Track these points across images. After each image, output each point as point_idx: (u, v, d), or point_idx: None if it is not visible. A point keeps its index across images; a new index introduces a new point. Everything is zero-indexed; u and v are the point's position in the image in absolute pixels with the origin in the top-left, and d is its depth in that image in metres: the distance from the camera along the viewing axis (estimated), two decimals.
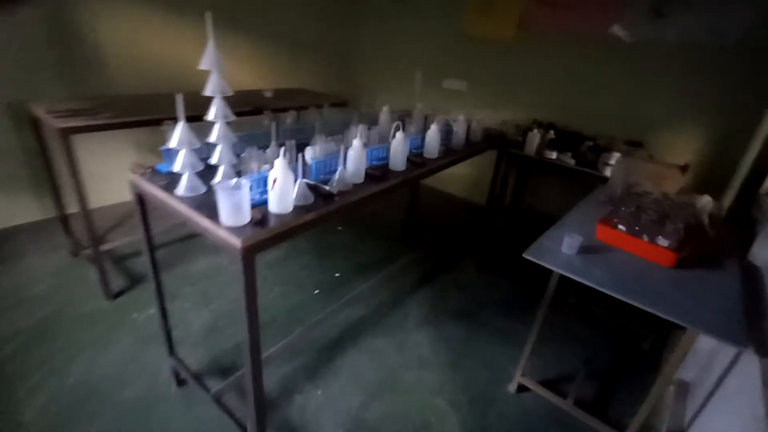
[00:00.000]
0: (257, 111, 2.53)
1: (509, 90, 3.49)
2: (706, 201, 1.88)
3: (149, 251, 1.39)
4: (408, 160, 1.65)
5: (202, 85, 1.11)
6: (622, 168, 2.10)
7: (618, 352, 2.18)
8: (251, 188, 1.11)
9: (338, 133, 1.94)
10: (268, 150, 1.41)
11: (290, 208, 1.14)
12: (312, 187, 1.25)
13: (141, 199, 1.30)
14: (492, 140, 2.39)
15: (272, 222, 1.07)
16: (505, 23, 3.33)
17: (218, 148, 1.21)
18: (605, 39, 2.91)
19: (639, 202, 1.73)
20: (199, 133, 1.19)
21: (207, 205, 1.11)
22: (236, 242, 0.97)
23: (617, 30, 2.86)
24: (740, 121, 2.54)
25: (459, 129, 2.03)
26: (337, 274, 2.65)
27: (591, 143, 2.91)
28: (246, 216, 1.03)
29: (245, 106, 2.50)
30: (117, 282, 2.33)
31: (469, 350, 2.11)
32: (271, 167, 1.08)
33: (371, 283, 2.43)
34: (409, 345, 2.11)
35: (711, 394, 1.46)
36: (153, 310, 2.04)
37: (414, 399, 1.80)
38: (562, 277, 1.47)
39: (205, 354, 1.92)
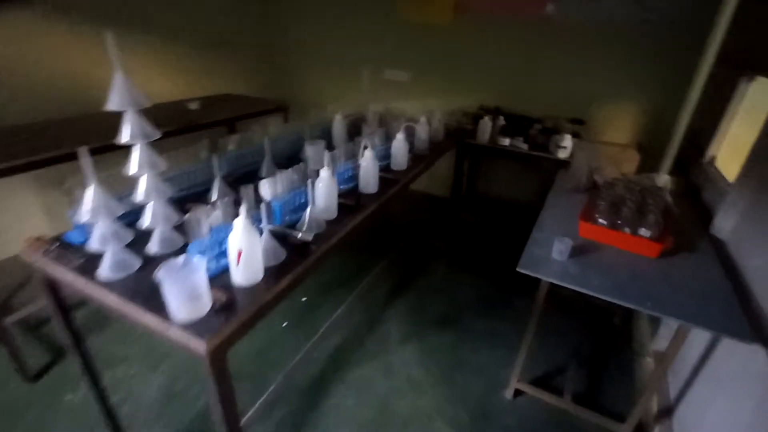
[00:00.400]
0: (185, 129, 2.17)
1: (452, 77, 3.39)
2: (665, 180, 1.93)
3: (65, 325, 1.07)
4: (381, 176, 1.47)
5: None
6: (584, 154, 2.10)
7: (595, 332, 2.23)
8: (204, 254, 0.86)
9: (290, 152, 1.69)
10: (215, 194, 1.15)
11: (260, 276, 0.91)
12: (280, 237, 1.02)
13: (51, 286, 0.98)
14: (453, 136, 2.27)
15: (240, 300, 0.84)
16: (441, 7, 3.20)
17: (149, 208, 0.93)
18: (541, 18, 2.90)
19: (613, 193, 1.71)
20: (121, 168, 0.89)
21: (144, 289, 0.85)
22: (199, 345, 0.73)
23: (550, 9, 2.85)
24: (671, 93, 2.67)
25: (422, 131, 1.87)
26: (303, 299, 2.42)
27: (540, 126, 2.91)
28: (206, 303, 0.79)
29: (168, 124, 2.11)
30: (36, 358, 1.90)
31: (459, 360, 2.02)
32: (223, 219, 0.84)
33: (343, 306, 2.24)
34: (397, 366, 1.97)
35: (695, 375, 1.49)
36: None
37: (413, 430, 1.68)
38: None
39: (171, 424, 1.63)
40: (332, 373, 1.92)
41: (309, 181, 1.07)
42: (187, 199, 1.25)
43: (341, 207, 1.24)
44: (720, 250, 1.58)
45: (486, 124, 2.87)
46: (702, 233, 1.67)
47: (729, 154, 2.01)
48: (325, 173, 1.13)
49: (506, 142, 2.86)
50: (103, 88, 0.81)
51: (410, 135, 1.82)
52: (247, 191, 1.01)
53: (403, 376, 1.93)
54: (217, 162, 1.23)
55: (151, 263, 0.92)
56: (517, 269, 1.36)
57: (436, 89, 3.49)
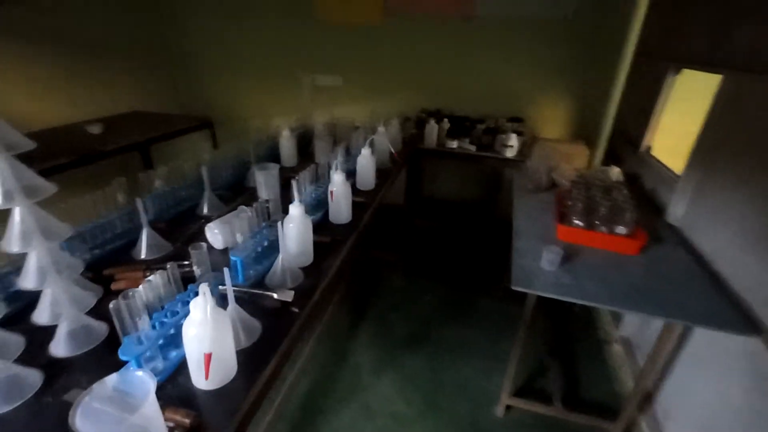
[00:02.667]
0: (87, 158, 1.73)
1: (389, 80, 3.26)
2: (617, 172, 1.98)
3: None
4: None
5: None
6: (541, 154, 2.09)
7: (559, 324, 2.24)
8: (148, 356, 0.59)
9: (233, 180, 1.41)
10: (142, 251, 0.84)
11: (233, 373, 0.65)
12: (248, 302, 0.77)
13: None
14: (409, 144, 2.12)
15: (210, 419, 0.58)
16: (369, 8, 3.05)
17: (45, 295, 0.62)
18: (467, 16, 2.89)
19: (583, 192, 1.69)
20: None
21: (50, 425, 0.55)
22: None
23: (476, 8, 2.87)
24: (595, 86, 2.82)
25: (382, 142, 1.69)
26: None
27: (483, 126, 2.91)
28: None
29: (63, 156, 1.67)
30: None
31: (439, 381, 1.88)
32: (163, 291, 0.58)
33: (306, 348, 1.96)
34: (377, 404, 1.77)
35: (675, 358, 1.52)
36: None
37: None
38: (492, 259, 1.31)
39: None
40: (307, 429, 1.65)
41: (279, 222, 0.83)
42: (104, 261, 0.93)
43: (315, 247, 1.01)
44: (679, 236, 1.63)
45: (432, 128, 2.78)
46: (658, 222, 1.73)
47: (663, 144, 2.14)
48: (295, 210, 0.89)
49: (454, 144, 2.80)
50: None
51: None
52: (199, 252, 0.73)
53: (386, 414, 1.74)
54: (141, 205, 0.92)
55: (58, 378, 0.62)
56: (512, 287, 1.25)
57: (373, 93, 3.34)
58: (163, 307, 0.68)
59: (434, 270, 2.72)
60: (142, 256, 0.96)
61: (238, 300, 0.72)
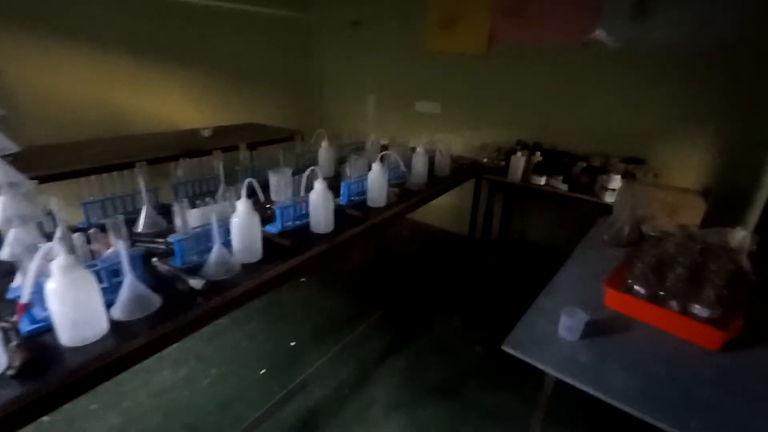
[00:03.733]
0: (186, 154, 2.12)
1: (487, 109, 3.11)
2: (742, 237, 1.44)
3: None
4: (343, 213, 1.22)
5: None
6: (628, 196, 1.68)
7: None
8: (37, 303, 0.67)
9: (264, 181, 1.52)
10: (141, 224, 0.97)
11: (97, 334, 0.69)
12: (165, 281, 0.81)
13: None
14: (465, 171, 1.97)
15: (53, 365, 0.62)
16: (474, 37, 2.99)
17: (10, 236, 0.78)
18: (585, 45, 2.55)
19: (661, 251, 1.28)
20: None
21: None
22: None
23: (599, 35, 2.50)
24: (754, 129, 2.14)
25: (418, 163, 1.61)
26: (292, 343, 2.17)
27: (584, 164, 2.50)
28: None
29: (162, 150, 2.09)
30: None
31: None
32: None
33: (327, 357, 1.95)
34: None
35: None
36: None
37: None
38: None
39: None
40: None
41: (213, 214, 0.86)
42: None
43: (273, 247, 1.01)
44: None
45: (518, 160, 2.53)
46: None
47: None
48: (241, 205, 0.91)
49: (541, 180, 2.48)
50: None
51: (395, 168, 1.56)
52: (115, 224, 0.81)
53: None
54: (143, 187, 1.07)
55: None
56: (502, 347, 1.01)
57: (468, 122, 3.23)
58: None
59: (493, 318, 2.40)
60: (138, 230, 1.11)
61: (164, 276, 0.78)
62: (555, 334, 1.04)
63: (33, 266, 0.60)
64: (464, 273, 2.84)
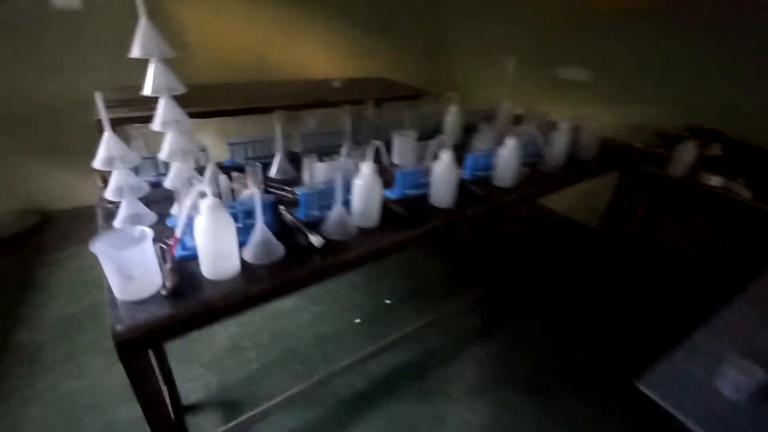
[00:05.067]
0: (314, 104, 2.22)
1: (648, 81, 2.54)
2: None
3: None
4: (463, 188, 1.13)
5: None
6: None
7: None
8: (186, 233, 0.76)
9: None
10: (274, 169, 1.04)
11: (230, 273, 0.75)
12: (288, 231, 0.84)
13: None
14: (613, 157, 1.66)
15: (190, 294, 0.70)
16: None
17: (173, 168, 0.88)
18: None
19: None
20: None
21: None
22: (114, 334, 0.62)
23: None
24: None
25: (559, 142, 1.39)
26: (387, 301, 2.24)
27: None
28: (145, 285, 0.68)
29: (297, 98, 2.20)
30: None
31: None
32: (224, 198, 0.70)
33: (419, 324, 1.95)
34: (453, 424, 1.60)
35: None
36: None
37: None
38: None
39: (214, 380, 1.71)
40: (378, 399, 1.68)
41: (339, 172, 0.85)
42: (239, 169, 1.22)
43: (389, 215, 0.98)
44: None
45: (686, 151, 2.05)
46: None
47: None
48: (366, 169, 0.88)
49: (715, 181, 1.99)
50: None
51: (533, 145, 1.37)
52: (254, 170, 0.86)
53: None
54: (279, 134, 1.13)
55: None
56: (638, 384, 0.84)
57: (624, 96, 2.70)
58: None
59: (604, 326, 2.12)
60: (271, 175, 1.19)
61: (287, 226, 0.82)
62: (710, 384, 0.83)
63: (186, 205, 0.67)
64: (582, 270, 2.53)
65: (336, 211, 0.89)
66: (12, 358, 1.72)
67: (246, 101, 2.07)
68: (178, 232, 0.69)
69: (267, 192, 1.09)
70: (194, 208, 0.71)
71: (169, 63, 0.81)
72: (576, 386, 1.75)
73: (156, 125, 0.83)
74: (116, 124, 1.62)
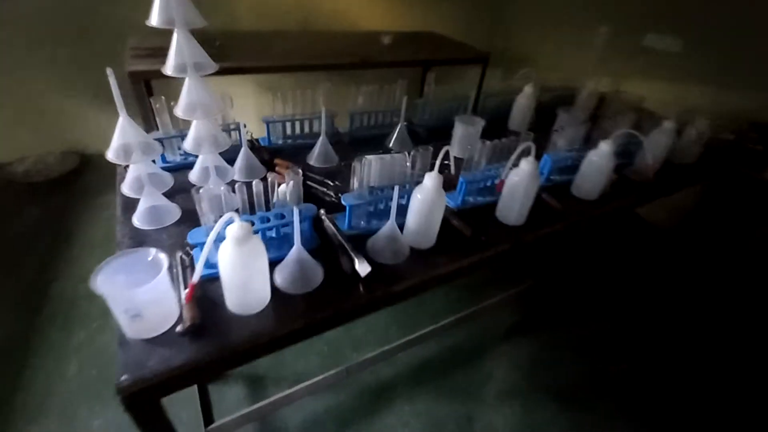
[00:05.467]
0: (362, 64, 1.98)
1: (751, 56, 2.07)
2: None
3: None
4: (537, 198, 0.93)
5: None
6: None
7: None
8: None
9: (439, 125, 1.28)
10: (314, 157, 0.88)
11: (259, 307, 0.62)
12: (329, 246, 0.70)
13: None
14: (717, 160, 1.37)
15: (216, 332, 0.58)
16: None
17: (200, 160, 0.74)
18: None
19: None
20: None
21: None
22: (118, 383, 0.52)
23: None
24: None
25: (659, 144, 1.13)
26: None
27: None
28: (162, 321, 0.57)
29: (344, 55, 1.95)
30: None
31: None
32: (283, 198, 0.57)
33: (456, 317, 1.83)
34: (479, 426, 1.53)
35: None
36: None
37: None
38: None
39: None
40: (405, 390, 1.62)
41: (396, 189, 0.68)
42: (283, 152, 1.06)
43: (448, 232, 0.81)
44: None
45: None
46: None
47: None
48: (430, 181, 0.70)
49: None
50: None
51: (624, 146, 1.12)
52: (295, 173, 0.69)
53: None
54: (324, 114, 0.95)
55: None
56: None
57: (722, 75, 2.25)
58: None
59: (661, 339, 1.93)
60: (311, 162, 1.03)
61: (329, 241, 0.67)
62: None
63: (210, 239, 0.53)
64: (643, 272, 2.29)
65: (388, 229, 0.73)
66: (49, 311, 1.74)
67: (288, 56, 1.86)
68: (195, 276, 0.56)
69: (306, 185, 0.94)
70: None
71: None
72: (616, 400, 1.62)
73: (168, 69, 0.66)
74: (140, 79, 1.48)
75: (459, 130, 1.09)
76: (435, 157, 0.73)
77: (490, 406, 1.59)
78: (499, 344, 1.84)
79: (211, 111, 0.70)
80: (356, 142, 1.16)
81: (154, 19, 0.60)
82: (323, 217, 0.81)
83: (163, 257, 0.55)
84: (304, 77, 1.95)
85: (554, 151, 1.04)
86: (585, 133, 1.08)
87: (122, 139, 0.66)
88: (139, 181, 0.71)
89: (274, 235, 0.73)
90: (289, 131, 1.10)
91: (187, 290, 0.60)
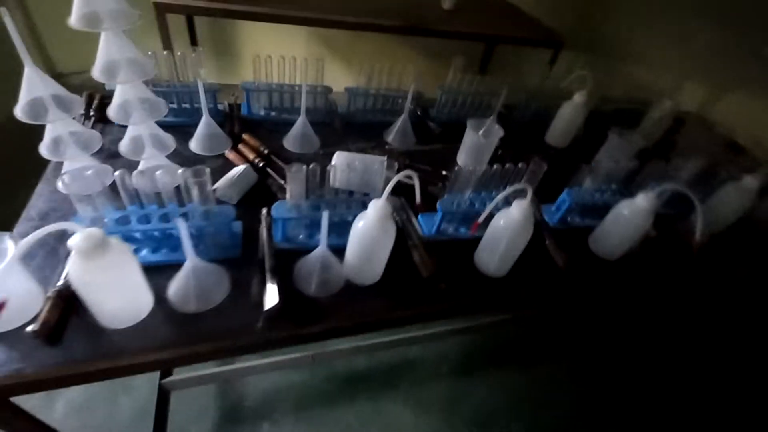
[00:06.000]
0: (410, 29, 1.73)
1: None
2: None
3: None
4: (537, 238, 0.74)
5: None
6: None
7: None
8: None
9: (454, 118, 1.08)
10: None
11: (134, 319, 0.53)
12: (247, 255, 0.59)
13: None
14: None
15: (77, 340, 0.51)
16: None
17: (129, 132, 0.63)
18: None
19: None
20: None
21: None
22: None
23: None
24: None
25: (727, 203, 0.86)
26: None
27: None
28: (16, 317, 0.49)
29: (390, 15, 1.71)
30: None
31: None
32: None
33: (449, 328, 1.68)
34: None
35: None
36: None
37: None
38: None
39: None
40: (375, 384, 1.54)
41: (324, 214, 0.53)
42: (261, 127, 0.93)
43: (403, 265, 0.66)
44: None
45: None
46: None
47: None
48: (375, 208, 0.55)
49: None
50: None
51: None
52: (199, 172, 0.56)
53: None
54: (304, 91, 0.80)
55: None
56: None
57: None
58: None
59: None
60: (286, 145, 0.89)
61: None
62: None
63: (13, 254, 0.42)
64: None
65: (317, 255, 0.59)
66: None
67: (324, 8, 1.65)
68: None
69: (265, 172, 0.82)
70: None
71: None
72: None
73: (73, 20, 0.52)
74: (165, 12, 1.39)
75: (469, 138, 0.89)
76: (439, 170, 0.56)
77: (459, 428, 1.48)
78: (488, 364, 1.69)
79: (139, 72, 0.59)
80: (351, 128, 1.00)
81: None
82: (263, 218, 0.69)
83: (9, 244, 0.46)
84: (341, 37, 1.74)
85: (580, 186, 0.81)
86: (633, 167, 0.83)
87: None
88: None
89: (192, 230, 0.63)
90: (276, 102, 0.96)
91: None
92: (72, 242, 0.43)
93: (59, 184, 0.56)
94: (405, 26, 1.73)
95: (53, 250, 0.61)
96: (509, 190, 0.61)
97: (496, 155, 0.96)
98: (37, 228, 0.43)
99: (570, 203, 0.80)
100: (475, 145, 0.89)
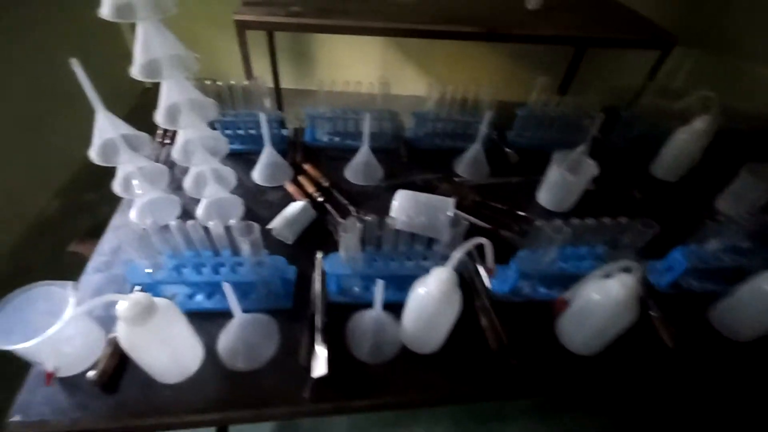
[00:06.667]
0: (487, 35, 1.60)
1: None
2: None
3: None
4: (642, 317, 0.60)
5: None
6: None
7: None
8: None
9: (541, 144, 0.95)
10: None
11: (184, 375, 0.52)
12: (307, 311, 0.55)
13: None
14: None
15: (132, 389, 0.51)
16: None
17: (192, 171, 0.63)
18: None
19: None
20: None
21: None
22: None
23: None
24: None
25: None
26: None
27: None
28: (80, 360, 0.50)
29: (464, 22, 1.58)
30: None
31: None
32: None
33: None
34: None
35: None
36: None
37: None
38: None
39: None
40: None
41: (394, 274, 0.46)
42: (323, 154, 0.89)
43: (472, 334, 0.57)
44: None
45: None
46: None
47: None
48: (435, 282, 0.47)
49: None
50: None
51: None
52: (248, 227, 0.52)
53: None
54: (367, 120, 0.74)
55: None
56: None
57: None
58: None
59: None
60: (347, 175, 0.84)
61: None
62: None
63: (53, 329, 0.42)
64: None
65: (371, 318, 0.53)
66: None
67: (398, 16, 1.58)
68: (49, 365, 0.45)
69: (323, 208, 0.77)
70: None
71: None
72: None
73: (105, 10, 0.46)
74: (247, 27, 1.42)
75: (553, 175, 0.76)
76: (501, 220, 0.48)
77: None
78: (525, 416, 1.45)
79: (201, 115, 0.57)
80: (418, 155, 0.92)
81: None
82: (317, 265, 0.64)
83: (70, 295, 0.47)
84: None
85: (699, 245, 0.65)
86: None
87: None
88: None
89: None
90: (340, 127, 0.92)
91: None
92: (119, 310, 0.41)
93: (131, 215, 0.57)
94: (482, 32, 1.60)
95: (119, 290, 0.62)
96: (609, 267, 0.49)
97: (586, 191, 0.81)
98: (108, 263, 0.43)
99: (684, 265, 0.64)
100: (561, 183, 0.76)
